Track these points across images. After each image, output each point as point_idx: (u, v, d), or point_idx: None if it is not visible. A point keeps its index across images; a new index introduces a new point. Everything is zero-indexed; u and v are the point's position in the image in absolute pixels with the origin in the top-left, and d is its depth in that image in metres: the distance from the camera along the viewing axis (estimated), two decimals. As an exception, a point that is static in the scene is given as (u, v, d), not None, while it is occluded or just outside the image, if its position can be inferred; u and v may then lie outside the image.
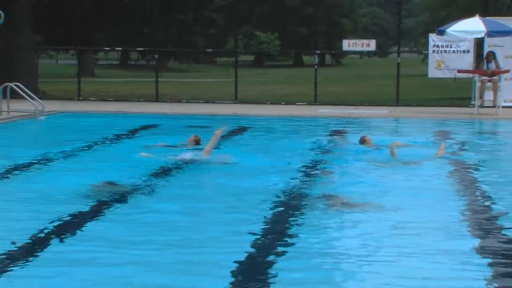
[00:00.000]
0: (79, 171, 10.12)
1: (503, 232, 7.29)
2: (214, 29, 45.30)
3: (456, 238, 7.05)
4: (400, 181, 9.85)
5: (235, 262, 6.13)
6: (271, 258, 6.30)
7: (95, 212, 7.95)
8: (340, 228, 7.50)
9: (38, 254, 6.42)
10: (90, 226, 7.38)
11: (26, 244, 6.68)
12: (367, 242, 6.81)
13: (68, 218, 7.60)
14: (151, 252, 6.45)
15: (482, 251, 6.58)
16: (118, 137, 14.35)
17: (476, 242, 6.86)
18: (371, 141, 12.67)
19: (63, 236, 6.94)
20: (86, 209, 8.02)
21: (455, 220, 7.75)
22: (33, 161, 11.09)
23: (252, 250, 6.55)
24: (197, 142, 12.50)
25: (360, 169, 10.69)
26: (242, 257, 6.29)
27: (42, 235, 6.98)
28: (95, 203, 8.32)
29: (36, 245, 6.67)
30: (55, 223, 7.35)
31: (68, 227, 7.30)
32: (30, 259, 6.24)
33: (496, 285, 5.67)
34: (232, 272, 5.89)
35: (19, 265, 6.05)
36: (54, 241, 6.84)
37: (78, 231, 7.13)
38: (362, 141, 12.67)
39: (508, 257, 6.43)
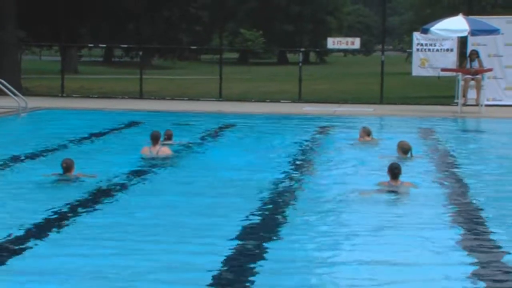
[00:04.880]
0: (55, 168, 9.96)
1: (481, 227, 7.38)
2: (199, 26, 45.20)
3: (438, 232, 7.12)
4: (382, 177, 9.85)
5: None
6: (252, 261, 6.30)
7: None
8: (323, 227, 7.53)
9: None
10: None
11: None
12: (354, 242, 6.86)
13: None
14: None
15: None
16: (100, 133, 14.29)
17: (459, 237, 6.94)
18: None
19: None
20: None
21: (435, 214, 7.83)
22: (8, 158, 11.03)
23: (231, 250, 6.56)
24: (168, 137, 12.48)
25: (346, 166, 10.75)
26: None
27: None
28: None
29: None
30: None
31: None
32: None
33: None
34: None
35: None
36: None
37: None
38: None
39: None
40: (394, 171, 8.82)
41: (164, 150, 11.16)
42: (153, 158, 10.91)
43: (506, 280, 5.85)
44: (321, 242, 6.81)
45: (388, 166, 8.98)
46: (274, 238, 6.92)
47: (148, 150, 11.13)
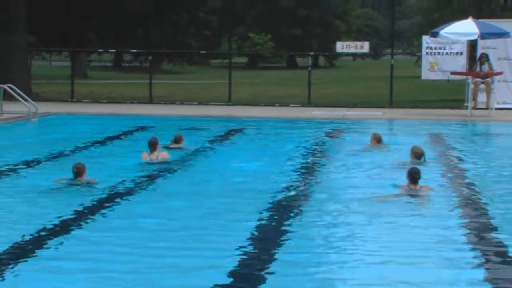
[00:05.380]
0: (64, 173, 9.89)
1: (494, 231, 7.34)
2: (208, 30, 45.25)
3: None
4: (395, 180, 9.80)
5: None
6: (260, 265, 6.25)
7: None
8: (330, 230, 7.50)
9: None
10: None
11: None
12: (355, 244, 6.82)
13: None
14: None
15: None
16: (110, 139, 14.31)
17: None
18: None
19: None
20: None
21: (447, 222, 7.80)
22: (18, 163, 11.06)
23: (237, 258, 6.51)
24: (177, 140, 12.51)
25: (358, 171, 10.72)
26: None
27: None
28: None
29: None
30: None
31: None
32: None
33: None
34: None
35: None
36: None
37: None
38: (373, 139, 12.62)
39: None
40: (415, 176, 8.84)
41: (163, 155, 11.20)
42: (152, 164, 10.91)
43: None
44: (339, 251, 6.70)
45: (408, 171, 9.01)
46: (285, 245, 6.80)
47: (147, 156, 11.16)
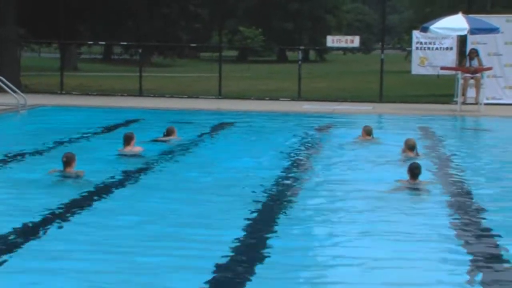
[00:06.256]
0: (53, 165, 9.74)
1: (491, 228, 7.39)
2: (198, 23, 45.17)
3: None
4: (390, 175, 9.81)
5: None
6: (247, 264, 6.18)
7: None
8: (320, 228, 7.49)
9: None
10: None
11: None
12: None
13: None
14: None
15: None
16: (98, 131, 14.26)
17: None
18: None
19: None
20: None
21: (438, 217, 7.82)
22: (6, 155, 11.00)
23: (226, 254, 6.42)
24: (168, 133, 12.50)
25: (349, 164, 10.74)
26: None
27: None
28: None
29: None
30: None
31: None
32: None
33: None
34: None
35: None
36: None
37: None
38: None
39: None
40: (414, 171, 8.91)
41: (136, 149, 11.16)
42: (126, 156, 10.90)
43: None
44: (336, 249, 6.63)
45: (408, 166, 9.06)
46: (277, 244, 6.62)
47: (122, 151, 11.12)
